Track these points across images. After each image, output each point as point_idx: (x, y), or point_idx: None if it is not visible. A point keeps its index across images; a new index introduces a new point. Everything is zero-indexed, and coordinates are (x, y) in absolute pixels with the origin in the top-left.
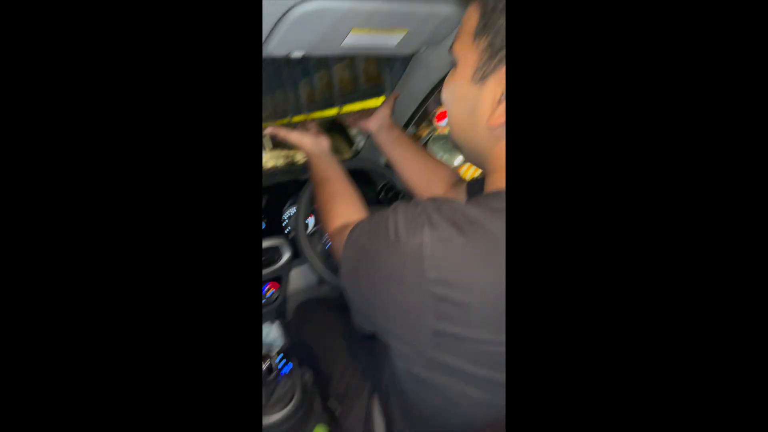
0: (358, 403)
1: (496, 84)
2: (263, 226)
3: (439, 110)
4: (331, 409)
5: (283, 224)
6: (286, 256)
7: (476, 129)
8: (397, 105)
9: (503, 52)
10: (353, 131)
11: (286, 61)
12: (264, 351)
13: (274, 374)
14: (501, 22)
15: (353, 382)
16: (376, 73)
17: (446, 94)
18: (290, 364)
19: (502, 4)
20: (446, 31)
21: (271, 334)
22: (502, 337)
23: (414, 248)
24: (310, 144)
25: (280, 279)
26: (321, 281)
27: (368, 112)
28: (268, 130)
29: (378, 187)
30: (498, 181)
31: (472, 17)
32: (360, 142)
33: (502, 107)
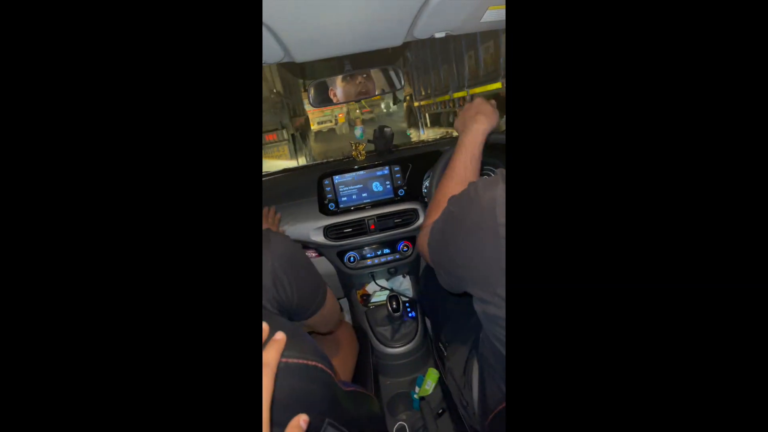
0: (462, 349)
1: None
2: (402, 193)
3: None
4: (441, 348)
5: (424, 191)
6: (421, 218)
7: None
8: None
9: None
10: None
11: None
12: (397, 297)
13: (399, 314)
14: None
15: (460, 333)
16: None
17: None
18: (413, 313)
19: None
20: None
21: (404, 284)
22: None
23: (489, 200)
24: (465, 133)
25: (415, 239)
26: None
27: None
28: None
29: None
30: None
31: None
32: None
33: None
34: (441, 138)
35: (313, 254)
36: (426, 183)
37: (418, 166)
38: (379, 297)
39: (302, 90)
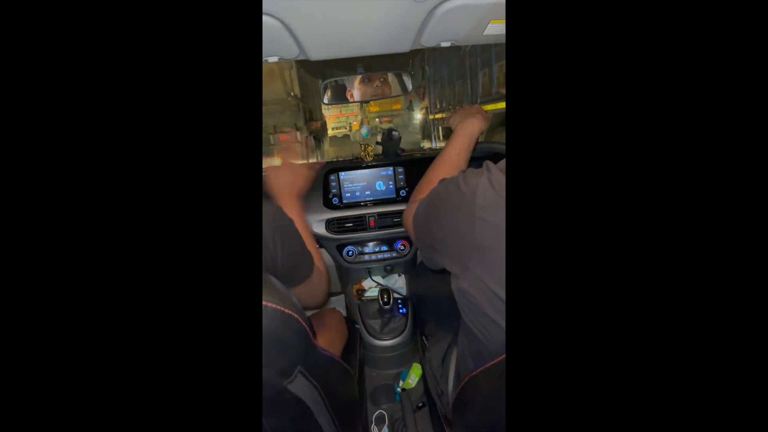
0: (442, 342)
1: None
2: (403, 194)
3: None
4: (424, 341)
5: None
6: None
7: None
8: None
9: None
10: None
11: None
12: (389, 291)
13: (389, 307)
14: None
15: (442, 327)
16: None
17: None
18: (404, 309)
19: None
20: None
21: (399, 282)
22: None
23: (472, 186)
24: (461, 126)
25: (410, 239)
26: None
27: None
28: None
29: None
30: None
31: None
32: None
33: None
34: None
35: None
36: None
37: (422, 170)
38: (374, 292)
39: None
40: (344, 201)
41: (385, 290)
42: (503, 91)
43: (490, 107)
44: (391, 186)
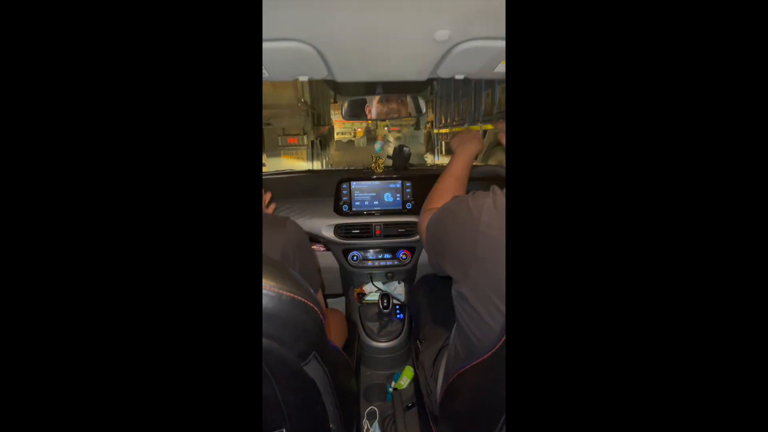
0: (434, 346)
1: None
2: (409, 206)
3: None
4: (418, 345)
5: None
6: None
7: None
8: None
9: None
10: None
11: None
12: (389, 296)
13: (388, 311)
14: None
15: (436, 333)
16: None
17: None
18: (401, 315)
19: None
20: None
21: (398, 289)
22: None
23: (479, 205)
24: (462, 148)
25: (413, 249)
26: None
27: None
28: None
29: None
30: None
31: None
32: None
33: None
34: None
35: (321, 248)
36: None
37: (428, 186)
38: (374, 297)
39: (331, 102)
40: (353, 209)
41: (385, 295)
42: (503, 110)
43: (490, 126)
44: (398, 198)
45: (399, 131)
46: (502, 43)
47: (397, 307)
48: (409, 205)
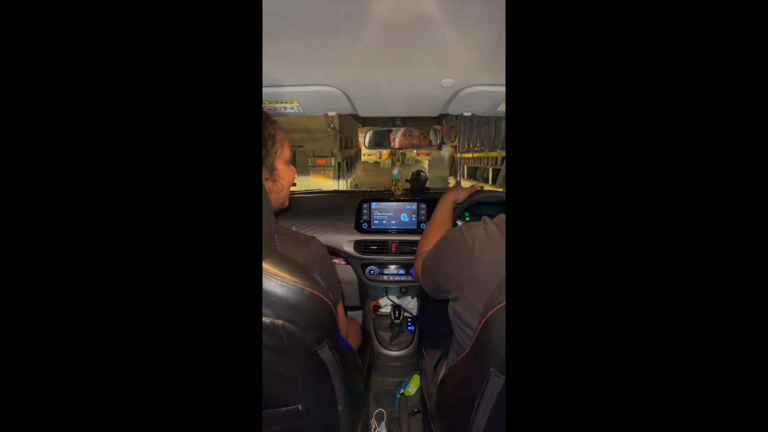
0: (436, 353)
1: None
2: (423, 227)
3: None
4: (422, 353)
5: None
6: None
7: None
8: None
9: None
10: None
11: None
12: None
13: (399, 322)
14: None
15: (439, 343)
16: None
17: None
18: (412, 327)
19: None
20: None
21: (411, 303)
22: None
23: (473, 233)
24: (443, 198)
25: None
26: None
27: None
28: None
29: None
30: None
31: None
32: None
33: None
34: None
35: (342, 262)
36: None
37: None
38: (388, 309)
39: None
40: (372, 227)
41: (396, 307)
42: None
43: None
44: (414, 219)
45: (428, 154)
46: (501, 89)
47: (409, 319)
48: (423, 225)
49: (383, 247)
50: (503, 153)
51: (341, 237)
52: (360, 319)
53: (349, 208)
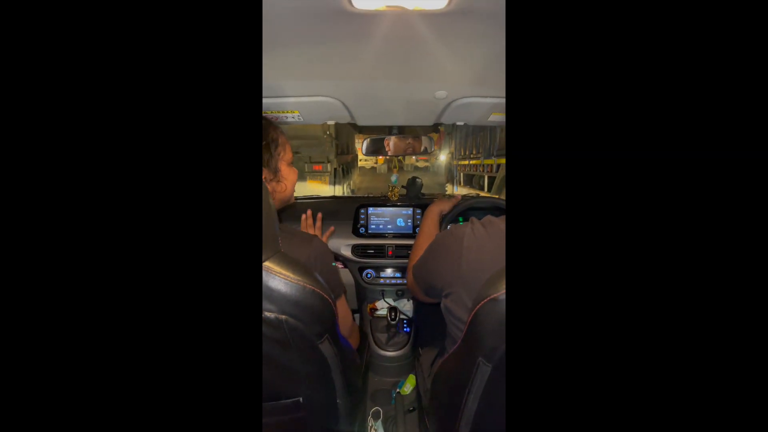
0: (432, 352)
1: None
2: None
3: None
4: (419, 351)
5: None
6: None
7: None
8: None
9: None
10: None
11: None
12: (396, 310)
13: (395, 323)
14: None
15: (434, 342)
16: None
17: None
18: (408, 328)
19: None
20: None
21: (407, 306)
22: (483, 281)
23: (461, 234)
24: (428, 210)
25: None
26: None
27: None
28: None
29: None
30: None
31: None
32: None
33: None
34: (463, 195)
35: (340, 265)
36: (440, 225)
37: None
38: (384, 311)
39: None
40: (369, 231)
41: (392, 308)
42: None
43: (503, 161)
44: (409, 223)
45: (427, 160)
46: (491, 100)
47: (405, 321)
48: (418, 230)
49: (380, 251)
50: (499, 160)
51: (339, 241)
52: (357, 321)
53: (347, 213)
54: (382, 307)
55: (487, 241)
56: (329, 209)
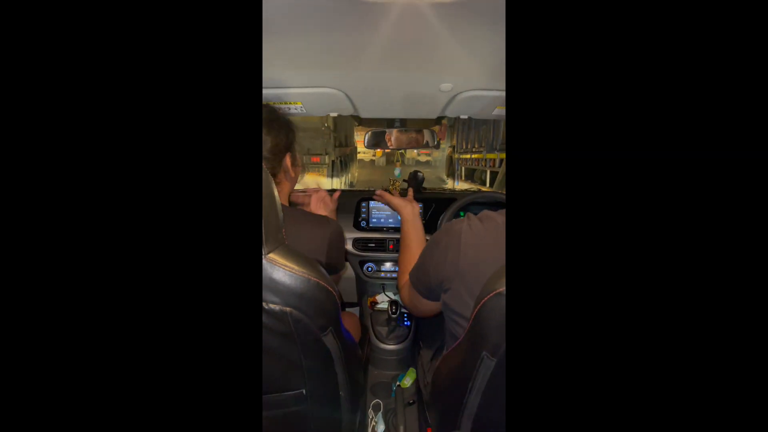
0: (432, 347)
1: None
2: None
3: None
4: (420, 345)
5: (438, 226)
6: None
7: None
8: None
9: None
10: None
11: None
12: (397, 303)
13: (395, 317)
14: None
15: (435, 337)
16: None
17: None
18: (408, 322)
19: None
20: None
21: None
22: (481, 275)
23: (458, 230)
24: (407, 211)
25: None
26: None
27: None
28: (378, 192)
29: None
30: None
31: None
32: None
33: None
34: (464, 190)
35: None
36: (441, 220)
37: (437, 208)
38: (385, 305)
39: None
40: (370, 225)
41: (393, 302)
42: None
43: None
44: None
45: (429, 154)
46: (495, 93)
47: (405, 315)
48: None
49: (381, 245)
50: (501, 155)
51: None
52: (358, 315)
53: (348, 206)
54: (382, 300)
55: (484, 236)
56: None
